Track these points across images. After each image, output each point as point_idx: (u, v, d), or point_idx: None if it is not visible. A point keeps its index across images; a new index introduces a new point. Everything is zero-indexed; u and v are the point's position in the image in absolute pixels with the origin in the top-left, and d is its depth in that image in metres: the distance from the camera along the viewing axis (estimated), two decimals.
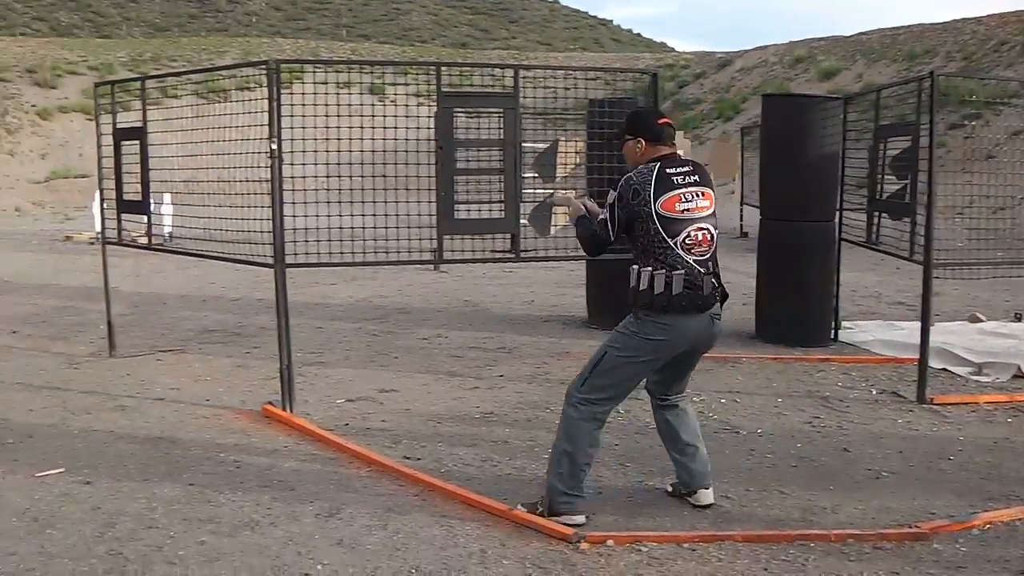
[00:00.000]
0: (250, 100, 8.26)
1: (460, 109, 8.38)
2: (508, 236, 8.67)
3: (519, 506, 5.96)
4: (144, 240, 10.24)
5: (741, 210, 22.07)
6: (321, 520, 5.93)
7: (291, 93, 8.30)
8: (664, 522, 5.89)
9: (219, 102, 9.21)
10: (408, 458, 7.09)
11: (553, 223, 9.04)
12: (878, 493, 6.43)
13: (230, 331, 11.87)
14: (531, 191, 15.51)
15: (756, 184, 12.61)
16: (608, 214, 5.77)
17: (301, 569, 5.24)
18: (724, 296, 5.90)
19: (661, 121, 5.88)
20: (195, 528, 5.84)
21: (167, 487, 6.54)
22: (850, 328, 11.95)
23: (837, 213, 11.18)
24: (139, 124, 9.67)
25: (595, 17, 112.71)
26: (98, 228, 15.52)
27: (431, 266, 16.29)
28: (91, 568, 5.32)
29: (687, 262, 5.60)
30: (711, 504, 6.14)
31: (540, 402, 8.58)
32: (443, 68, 8.39)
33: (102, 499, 6.35)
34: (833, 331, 11.44)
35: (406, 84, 8.77)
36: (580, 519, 5.79)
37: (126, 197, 10.09)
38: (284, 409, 8.11)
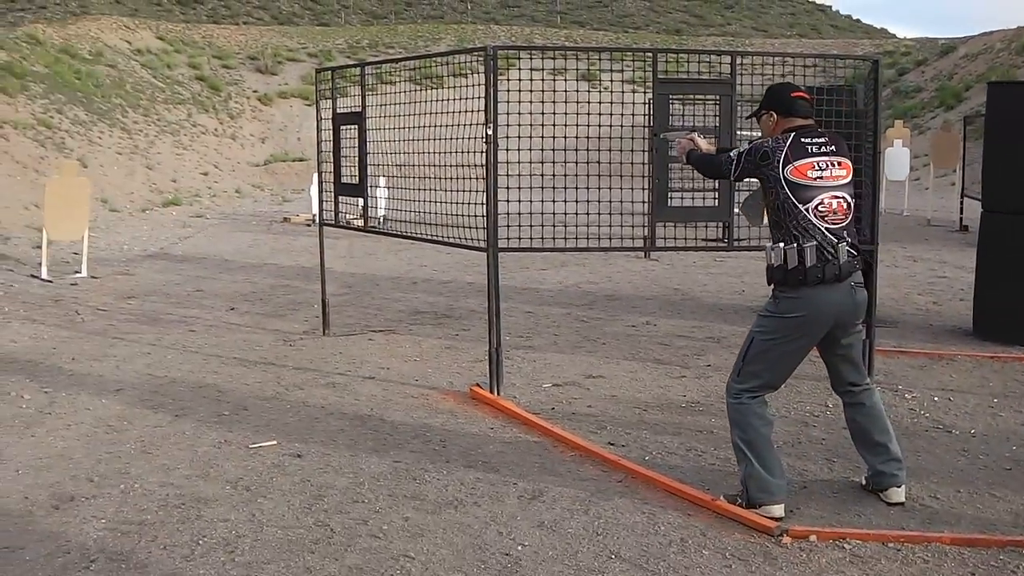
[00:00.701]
0: (465, 87, 8.36)
1: (676, 96, 8.31)
2: (720, 225, 8.57)
3: (721, 497, 5.91)
4: (359, 223, 10.48)
5: (961, 202, 21.38)
6: (524, 502, 5.98)
7: (507, 80, 8.36)
8: (870, 519, 5.74)
9: (433, 88, 9.23)
10: (612, 444, 7.09)
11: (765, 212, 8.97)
12: None
13: (440, 313, 12.04)
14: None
15: (978, 175, 12.18)
16: (735, 156, 5.94)
17: (501, 549, 5.30)
18: (868, 266, 5.87)
19: (794, 94, 5.94)
20: (400, 504, 5.96)
21: (374, 463, 6.69)
22: None
23: None
24: (358, 109, 9.89)
25: (813, 3, 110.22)
26: (315, 210, 15.95)
27: (641, 254, 16.31)
28: (299, 537, 5.50)
29: (820, 229, 5.60)
30: (902, 503, 5.97)
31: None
32: (659, 55, 8.34)
33: (311, 472, 6.55)
34: None
35: (620, 71, 8.69)
36: (779, 510, 5.70)
37: (344, 180, 10.34)
38: (491, 391, 8.20)
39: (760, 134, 6.10)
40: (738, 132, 8.21)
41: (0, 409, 8.10)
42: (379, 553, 5.29)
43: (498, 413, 7.82)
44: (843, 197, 5.71)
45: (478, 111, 8.05)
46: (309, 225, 20.34)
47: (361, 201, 10.28)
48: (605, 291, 13.83)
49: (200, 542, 5.48)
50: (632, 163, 8.48)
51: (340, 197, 10.55)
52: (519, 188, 8.49)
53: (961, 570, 5.09)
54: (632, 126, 8.74)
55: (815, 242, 5.58)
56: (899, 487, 6.01)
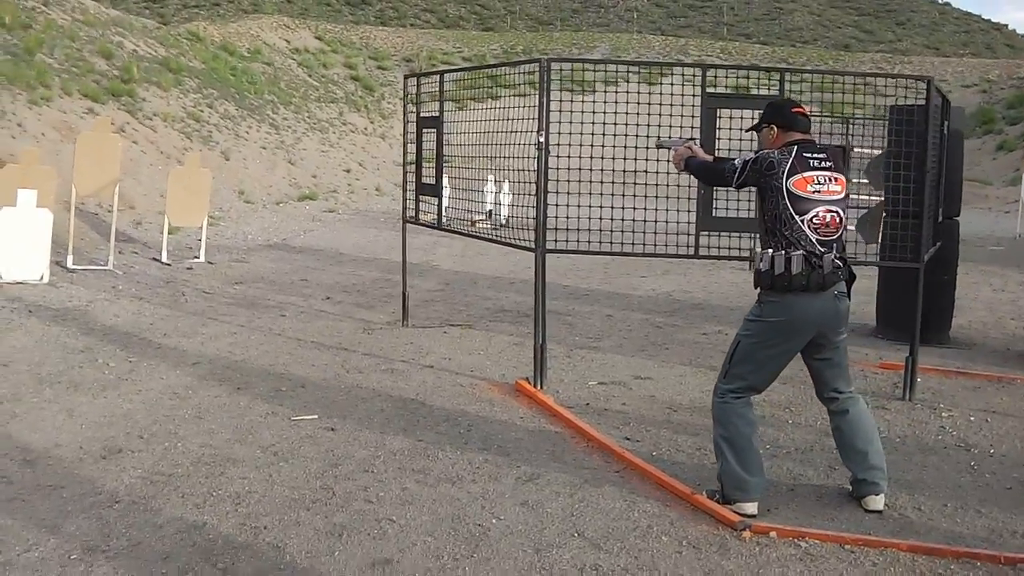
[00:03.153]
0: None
1: (724, 109, 8.59)
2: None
3: (704, 492, 6.22)
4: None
5: None
6: (519, 483, 6.38)
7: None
8: (840, 524, 5.96)
9: (513, 96, 9.63)
10: (628, 439, 7.43)
11: (880, 230, 9.19)
12: None
13: (522, 312, 12.45)
14: (860, 197, 15.43)
15: None
16: (740, 165, 6.15)
17: (477, 521, 5.73)
18: (852, 277, 6.12)
19: (794, 110, 6.21)
20: (404, 476, 6.44)
21: (398, 440, 7.18)
22: None
23: None
24: (436, 114, 10.42)
25: (988, 21, 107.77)
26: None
27: (746, 265, 16.48)
28: (301, 497, 6.07)
29: (810, 240, 5.89)
30: (879, 511, 6.19)
31: (783, 402, 8.70)
32: (710, 70, 8.65)
33: (338, 444, 7.08)
34: None
35: (682, 84, 8.98)
36: (752, 508, 5.99)
37: (424, 180, 10.88)
38: (534, 385, 8.60)
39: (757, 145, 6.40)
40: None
41: (85, 373, 8.86)
42: (366, 515, 5.78)
43: (534, 405, 8.23)
44: (836, 211, 5.97)
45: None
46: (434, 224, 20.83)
47: (446, 201, 10.76)
48: (694, 300, 14.10)
49: (214, 494, 6.10)
50: (657, 172, 8.74)
51: (429, 196, 11.04)
52: (579, 194, 8.88)
53: (907, 575, 5.32)
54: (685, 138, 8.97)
55: (803, 251, 5.88)
56: (877, 495, 6.21)
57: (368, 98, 39.97)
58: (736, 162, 6.25)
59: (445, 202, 10.77)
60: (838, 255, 6.00)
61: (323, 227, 22.07)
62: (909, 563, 5.44)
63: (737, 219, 8.77)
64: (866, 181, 10.02)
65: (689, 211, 8.72)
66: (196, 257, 16.03)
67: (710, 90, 8.56)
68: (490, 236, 9.84)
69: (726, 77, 25.67)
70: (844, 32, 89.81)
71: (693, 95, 8.64)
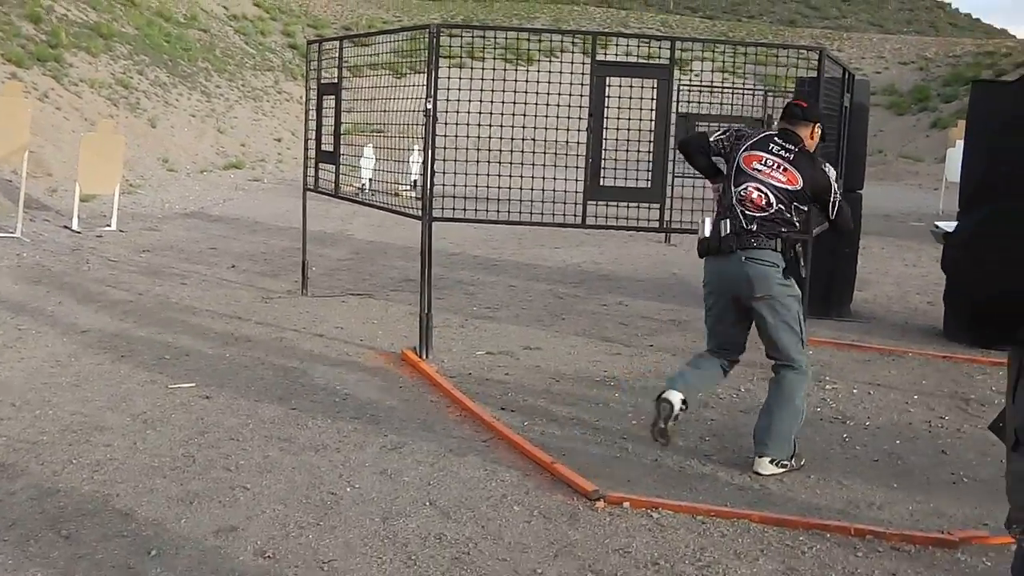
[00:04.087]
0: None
1: (614, 78, 8.59)
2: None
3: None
4: (344, 188, 10.95)
5: None
6: (384, 452, 6.37)
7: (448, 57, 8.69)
8: (699, 495, 6.00)
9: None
10: (504, 409, 7.43)
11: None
12: (941, 497, 6.26)
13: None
14: None
15: None
16: (724, 129, 6.79)
17: (331, 489, 5.72)
18: (787, 250, 6.37)
19: (795, 102, 6.64)
20: (269, 445, 6.41)
21: (272, 408, 7.15)
22: None
23: None
24: (335, 81, 10.35)
25: (932, 0, 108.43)
26: (364, 179, 16.34)
27: (663, 238, 16.55)
28: (161, 464, 6.03)
29: (736, 212, 6.32)
30: (761, 474, 6.45)
31: (669, 374, 8.73)
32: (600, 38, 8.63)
33: (210, 412, 7.04)
34: None
35: (584, 52, 8.98)
36: (671, 395, 6.35)
37: (324, 148, 10.81)
38: (419, 355, 8.58)
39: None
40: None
41: None
42: (221, 483, 5.75)
43: (416, 374, 8.22)
44: (766, 193, 6.28)
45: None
46: (359, 192, 20.77)
47: (369, 173, 10.72)
48: (603, 271, 14.12)
49: (74, 462, 6.04)
50: (567, 142, 8.77)
51: (330, 165, 10.96)
52: (466, 162, 8.88)
53: (754, 545, 5.33)
54: (578, 107, 8.95)
55: (727, 220, 6.35)
56: (760, 458, 6.50)
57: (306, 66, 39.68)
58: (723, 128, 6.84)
59: (369, 173, 10.70)
60: (753, 227, 6.27)
61: (245, 196, 21.92)
62: (759, 534, 5.48)
63: (625, 188, 8.77)
64: None
65: (578, 180, 8.72)
66: (108, 225, 15.86)
67: (600, 58, 8.54)
68: (383, 204, 9.76)
69: (628, 45, 25.61)
70: (790, 8, 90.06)
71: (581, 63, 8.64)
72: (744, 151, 6.39)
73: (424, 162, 8.42)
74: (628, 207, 8.79)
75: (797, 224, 6.42)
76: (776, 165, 6.30)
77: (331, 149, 10.52)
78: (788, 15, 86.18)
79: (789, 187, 6.28)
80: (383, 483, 5.85)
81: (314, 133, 10.98)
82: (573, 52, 9.72)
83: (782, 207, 6.28)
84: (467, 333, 9.78)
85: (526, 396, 7.81)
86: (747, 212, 6.29)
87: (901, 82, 46.70)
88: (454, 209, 8.73)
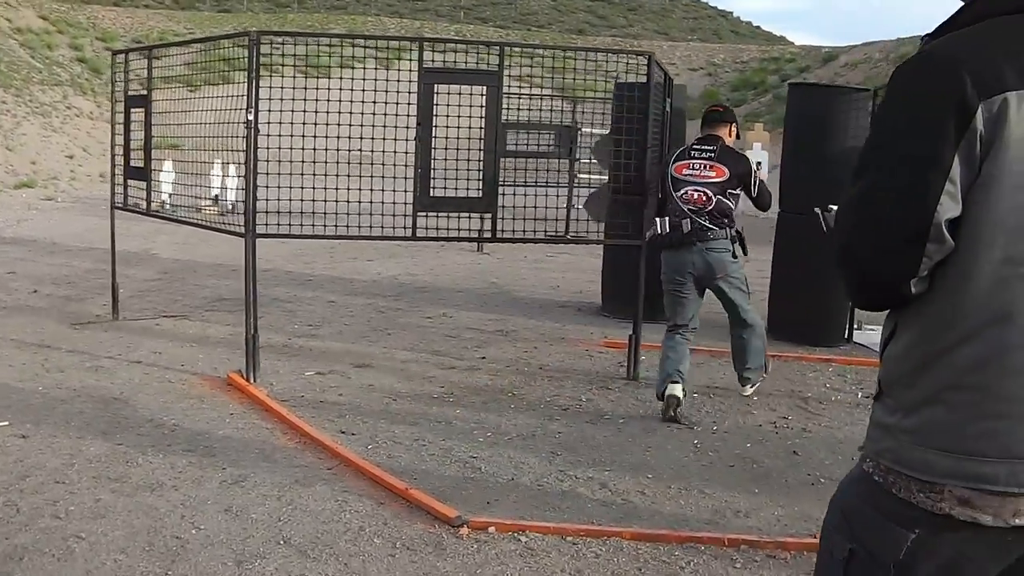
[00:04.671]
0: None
1: (442, 85, 8.33)
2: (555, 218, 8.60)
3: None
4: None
5: None
6: (224, 487, 5.97)
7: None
8: (563, 514, 5.80)
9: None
10: (343, 432, 7.10)
11: (606, 209, 9.15)
12: (805, 500, 6.25)
13: (242, 301, 11.79)
14: (587, 176, 15.42)
15: None
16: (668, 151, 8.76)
17: (176, 532, 5.30)
18: (737, 237, 7.99)
19: (712, 108, 8.57)
20: (100, 486, 5.93)
21: (96, 445, 6.64)
22: (872, 329, 11.64)
23: None
24: (144, 93, 9.82)
25: (716, 8, 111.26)
26: (164, 196, 15.65)
27: (476, 247, 16.33)
28: None
29: (682, 211, 7.84)
30: (747, 395, 8.50)
31: (508, 386, 8.53)
32: (427, 44, 8.35)
33: (29, 453, 6.49)
34: (848, 331, 11.18)
35: (410, 60, 8.68)
36: (671, 388, 7.75)
37: (132, 164, 10.25)
38: (247, 378, 8.16)
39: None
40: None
41: None
42: (53, 533, 5.26)
43: (245, 399, 7.80)
44: (704, 191, 7.87)
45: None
46: (160, 210, 19.98)
47: (169, 187, 10.18)
48: (420, 283, 13.83)
49: None
50: (395, 152, 8.45)
51: (140, 181, 10.41)
52: (291, 175, 8.49)
53: (630, 565, 5.16)
54: (404, 115, 8.65)
55: (676, 220, 7.84)
56: (744, 385, 8.51)
57: (95, 81, 38.18)
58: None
59: (169, 188, 10.15)
60: (706, 223, 7.80)
61: (40, 216, 20.82)
62: (633, 552, 5.33)
63: (455, 199, 8.52)
64: (594, 160, 10.03)
65: (407, 191, 8.43)
66: None
67: (427, 65, 8.27)
68: (200, 222, 9.29)
69: (455, 52, 25.39)
70: (578, 17, 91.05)
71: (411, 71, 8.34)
72: (673, 163, 8.05)
73: (246, 176, 8.00)
74: (457, 217, 8.57)
75: (734, 208, 7.96)
76: (703, 165, 7.93)
77: (141, 165, 9.95)
78: (577, 24, 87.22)
79: (719, 179, 7.89)
80: (230, 522, 5.46)
81: (122, 148, 10.36)
82: (367, 62, 9.37)
83: (720, 197, 7.85)
84: (292, 353, 9.38)
85: (365, 417, 7.48)
86: (695, 210, 7.81)
87: (692, 88, 47.55)
88: (278, 225, 8.32)
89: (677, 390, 7.70)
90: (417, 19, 70.50)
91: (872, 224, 2.26)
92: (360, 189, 8.48)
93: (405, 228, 8.34)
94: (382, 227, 8.43)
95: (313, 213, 8.47)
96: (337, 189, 8.51)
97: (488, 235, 8.65)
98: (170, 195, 14.93)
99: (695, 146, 8.05)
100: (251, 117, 7.94)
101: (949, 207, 2.15)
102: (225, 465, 6.32)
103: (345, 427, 7.23)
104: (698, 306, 8.15)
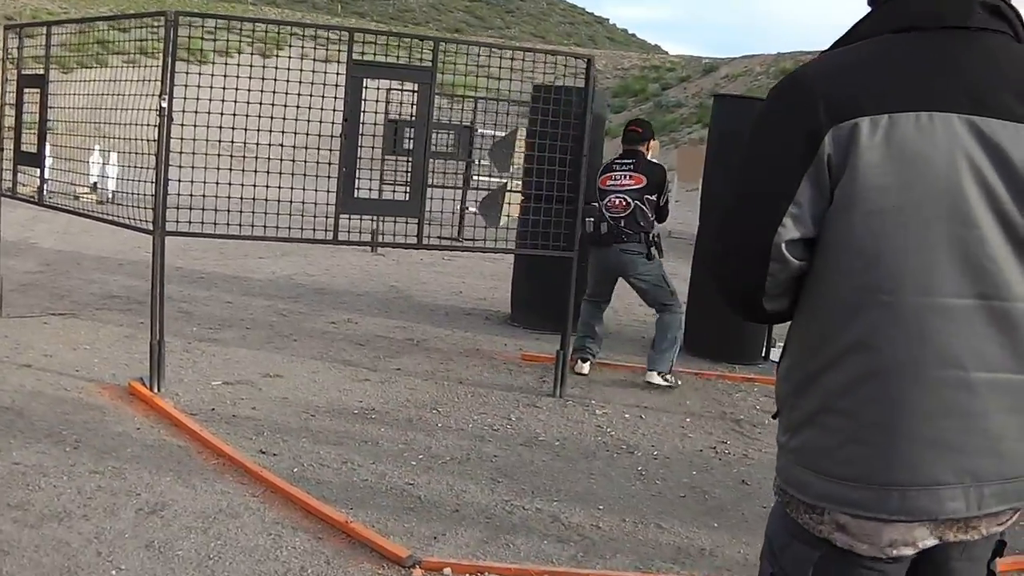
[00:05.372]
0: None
1: (372, 81, 7.79)
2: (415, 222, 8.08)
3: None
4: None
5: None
6: (141, 517, 5.36)
7: (190, 50, 7.69)
8: (519, 551, 5.34)
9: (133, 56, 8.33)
10: (264, 452, 6.52)
11: (505, 213, 8.72)
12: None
13: (134, 299, 11.11)
14: (485, 179, 14.97)
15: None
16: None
17: (92, 574, 4.68)
18: (650, 242, 8.93)
19: (630, 128, 9.43)
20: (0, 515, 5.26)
21: None
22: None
23: None
24: (41, 72, 9.07)
25: (592, 14, 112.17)
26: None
27: (368, 248, 15.75)
28: None
29: (605, 216, 8.87)
30: (651, 383, 8.98)
31: (429, 401, 8.03)
32: (357, 36, 7.79)
33: None
34: (765, 349, 10.91)
35: (325, 49, 8.12)
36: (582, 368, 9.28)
37: (24, 149, 9.47)
38: (151, 388, 7.53)
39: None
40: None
41: None
42: None
43: (151, 412, 7.15)
44: (624, 197, 8.88)
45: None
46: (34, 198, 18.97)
47: (48, 172, 9.40)
48: (319, 284, 13.21)
49: None
50: (319, 149, 7.87)
51: (32, 167, 9.60)
52: (205, 168, 7.89)
53: None
54: (330, 110, 8.07)
55: (598, 221, 8.89)
56: (650, 371, 9.03)
57: None
58: None
59: (47, 173, 9.38)
60: (623, 226, 8.84)
61: None
62: None
63: (381, 201, 8.01)
64: (488, 163, 9.69)
65: (329, 191, 7.86)
66: None
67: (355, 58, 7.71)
68: (100, 215, 8.58)
69: (381, 44, 24.77)
70: (456, 17, 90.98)
71: (326, 62, 7.78)
72: (599, 177, 9.03)
73: (157, 168, 7.36)
74: (381, 221, 8.04)
75: (650, 213, 8.88)
76: (624, 176, 8.96)
77: (34, 151, 9.17)
78: (454, 23, 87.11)
79: (637, 186, 8.87)
80: (155, 562, 4.85)
81: (12, 132, 9.55)
82: (243, 48, 8.79)
83: (637, 203, 8.82)
84: (195, 359, 8.73)
85: (284, 435, 6.91)
86: (615, 215, 8.86)
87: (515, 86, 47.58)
88: (190, 222, 7.69)
89: (585, 368, 9.27)
90: (295, 10, 69.60)
91: (724, 239, 2.34)
92: (280, 187, 7.90)
93: (327, 231, 7.78)
94: (302, 229, 7.86)
95: (216, 210, 7.81)
96: (255, 186, 7.87)
97: (414, 242, 8.06)
98: (46, 181, 14.13)
99: (617, 161, 9.10)
100: (164, 104, 7.31)
101: (791, 230, 2.17)
102: (139, 490, 5.70)
103: (265, 446, 6.64)
104: (612, 288, 9.50)
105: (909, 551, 2.22)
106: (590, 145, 8.84)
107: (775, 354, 10.86)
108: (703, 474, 6.95)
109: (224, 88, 7.60)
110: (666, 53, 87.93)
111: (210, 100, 7.59)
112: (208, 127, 7.65)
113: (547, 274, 10.81)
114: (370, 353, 9.48)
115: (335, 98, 7.65)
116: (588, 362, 9.33)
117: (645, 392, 8.90)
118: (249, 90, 7.83)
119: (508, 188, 9.08)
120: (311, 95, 7.81)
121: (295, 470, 6.24)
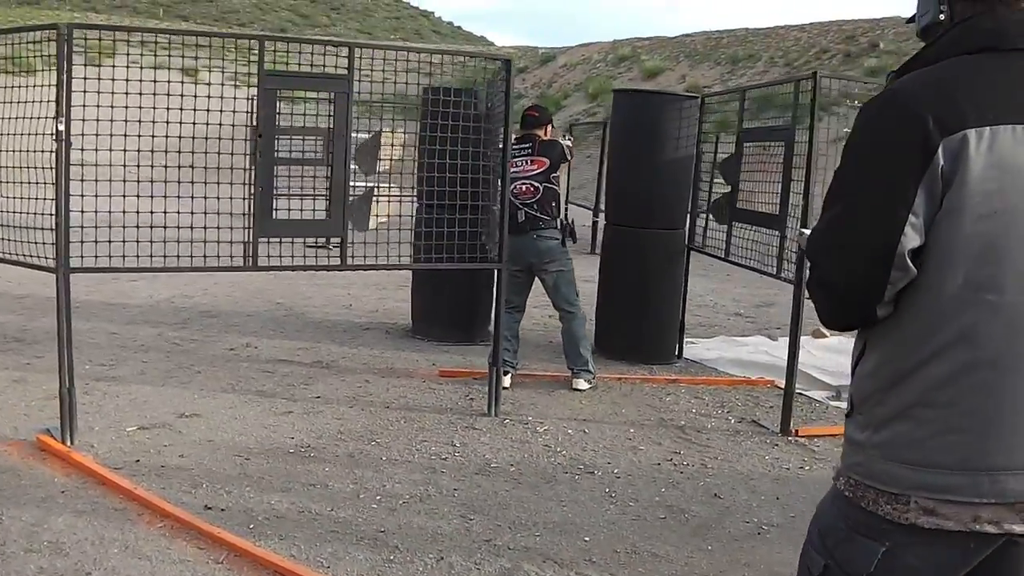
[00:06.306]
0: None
1: (285, 92, 7.23)
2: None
3: None
4: None
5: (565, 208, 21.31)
6: None
7: (92, 66, 7.04)
8: None
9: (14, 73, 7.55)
10: (210, 508, 5.91)
11: (374, 213, 8.13)
12: (764, 554, 5.60)
13: (10, 336, 10.27)
14: (352, 184, 14.43)
15: (582, 182, 11.93)
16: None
17: None
18: (564, 227, 9.02)
19: (527, 112, 9.35)
20: None
21: None
22: (693, 344, 11.15)
23: (687, 220, 10.40)
24: None
25: (417, 8, 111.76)
26: None
27: (240, 264, 15.00)
28: None
29: (515, 204, 8.62)
30: (582, 390, 8.97)
31: (364, 432, 7.50)
32: (268, 44, 7.18)
33: None
34: (678, 347, 10.63)
35: (226, 62, 7.52)
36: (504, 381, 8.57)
37: None
38: (63, 441, 6.84)
39: None
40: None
41: None
42: None
43: (71, 469, 6.46)
44: (529, 183, 8.84)
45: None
46: None
47: None
48: (201, 307, 12.50)
49: None
50: (232, 168, 7.27)
51: None
52: (110, 196, 7.19)
53: None
54: (232, 125, 7.49)
55: (513, 210, 8.44)
56: (578, 379, 9.03)
57: None
58: None
59: None
60: (534, 213, 8.81)
61: None
62: None
63: (301, 222, 7.46)
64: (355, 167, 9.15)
65: (245, 214, 7.25)
66: None
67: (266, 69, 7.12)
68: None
69: (287, 52, 23.85)
70: (281, 16, 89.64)
71: (240, 73, 7.20)
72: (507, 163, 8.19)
73: (57, 198, 6.67)
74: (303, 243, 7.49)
75: (558, 188, 9.02)
76: (524, 161, 8.89)
77: None
78: (280, 23, 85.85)
79: (541, 170, 8.86)
80: None
81: None
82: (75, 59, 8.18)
83: (544, 184, 8.84)
84: (99, 403, 8.02)
85: (224, 485, 6.30)
86: (526, 202, 8.80)
87: (411, 89, 47.07)
88: (96, 256, 7.01)
89: (506, 381, 8.74)
90: (114, 14, 67.84)
91: (839, 251, 2.41)
92: (193, 212, 7.27)
93: (248, 257, 7.18)
94: (218, 256, 7.24)
95: (137, 241, 7.14)
96: (165, 212, 7.20)
97: (337, 263, 7.52)
98: None
99: (515, 146, 8.65)
100: (62, 127, 6.63)
101: (912, 238, 2.28)
102: (88, 568, 5.04)
103: (208, 500, 6.03)
104: (526, 294, 9.35)
105: (993, 529, 2.28)
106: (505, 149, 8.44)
107: (688, 351, 10.63)
108: (671, 490, 6.60)
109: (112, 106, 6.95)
110: (492, 44, 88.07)
111: (111, 120, 6.92)
112: (111, 150, 6.98)
113: (452, 285, 10.38)
114: (282, 381, 8.89)
115: (221, 111, 7.09)
116: (509, 375, 8.92)
117: (576, 402, 8.56)
118: (140, 107, 7.20)
119: (375, 193, 8.35)
120: (208, 109, 7.19)
121: (251, 526, 5.65)
